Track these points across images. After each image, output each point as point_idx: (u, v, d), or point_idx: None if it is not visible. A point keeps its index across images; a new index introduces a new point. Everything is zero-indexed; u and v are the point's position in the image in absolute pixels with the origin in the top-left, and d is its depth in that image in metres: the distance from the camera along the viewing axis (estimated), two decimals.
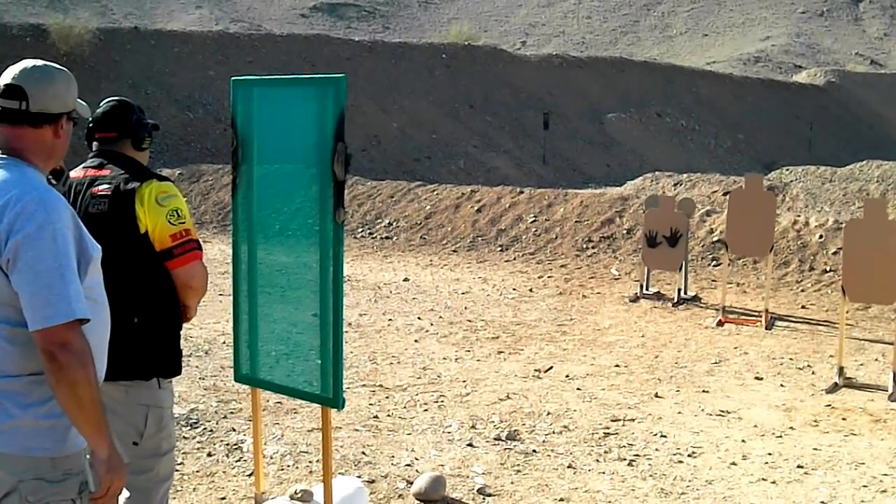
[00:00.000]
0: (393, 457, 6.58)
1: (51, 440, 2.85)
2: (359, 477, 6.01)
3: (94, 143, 4.19)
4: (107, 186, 3.96)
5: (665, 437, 7.19)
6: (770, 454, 6.82)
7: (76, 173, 4.11)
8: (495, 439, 7.01)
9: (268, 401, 7.36)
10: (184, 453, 6.44)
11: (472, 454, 6.69)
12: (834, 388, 8.67)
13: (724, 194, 19.80)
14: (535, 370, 9.18)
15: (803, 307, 12.67)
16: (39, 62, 3.05)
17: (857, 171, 24.94)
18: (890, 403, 8.24)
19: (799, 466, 6.55)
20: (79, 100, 3.21)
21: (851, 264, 9.23)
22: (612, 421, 7.56)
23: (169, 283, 3.99)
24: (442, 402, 8.01)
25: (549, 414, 7.70)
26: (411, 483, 6.00)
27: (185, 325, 4.21)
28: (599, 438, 7.11)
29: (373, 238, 18.98)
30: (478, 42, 52.47)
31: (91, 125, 4.16)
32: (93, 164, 4.10)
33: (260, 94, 4.51)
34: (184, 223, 3.97)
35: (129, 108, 4.23)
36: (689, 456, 6.76)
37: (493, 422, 7.44)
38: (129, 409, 3.97)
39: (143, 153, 4.27)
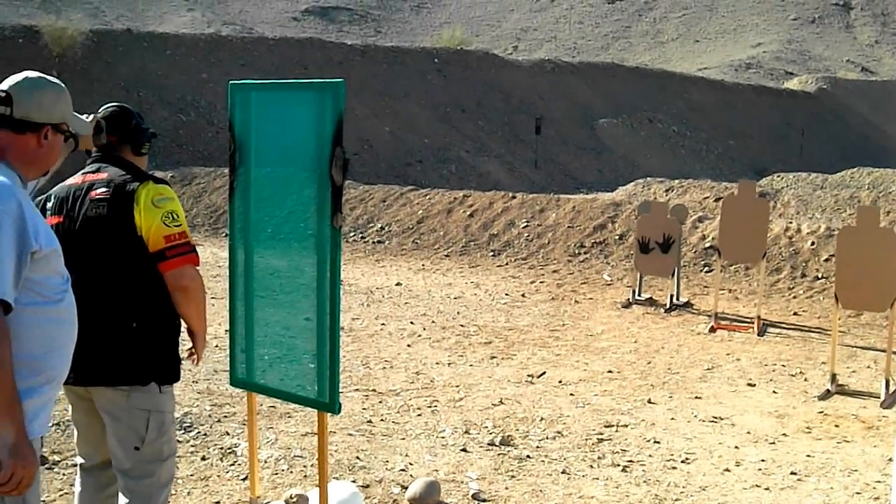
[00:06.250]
0: (387, 462, 6.57)
1: None
2: (353, 482, 6.01)
3: (93, 149, 4.18)
4: (105, 189, 3.95)
5: (658, 443, 7.19)
6: (763, 461, 6.82)
7: (74, 180, 4.08)
8: (489, 444, 7.00)
9: (262, 405, 7.35)
10: (178, 457, 6.42)
11: (466, 459, 6.68)
12: (826, 395, 8.68)
13: (716, 200, 19.85)
14: (528, 375, 9.17)
15: (795, 314, 12.69)
16: (36, 74, 3.19)
17: (849, 178, 25.02)
18: (882, 410, 8.25)
19: (792, 473, 6.55)
20: (80, 115, 3.24)
21: (844, 271, 9.23)
22: (606, 427, 7.56)
23: (166, 287, 3.98)
24: (435, 406, 8.00)
25: (542, 419, 7.70)
26: (406, 488, 5.99)
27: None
28: (593, 444, 7.10)
29: (365, 242, 18.98)
30: (470, 47, 52.51)
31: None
32: (90, 170, 4.08)
33: (258, 99, 4.51)
34: (179, 226, 3.95)
35: (129, 114, 4.24)
36: (682, 462, 6.76)
37: (486, 427, 7.43)
38: (130, 414, 3.96)
39: (142, 158, 4.26)
